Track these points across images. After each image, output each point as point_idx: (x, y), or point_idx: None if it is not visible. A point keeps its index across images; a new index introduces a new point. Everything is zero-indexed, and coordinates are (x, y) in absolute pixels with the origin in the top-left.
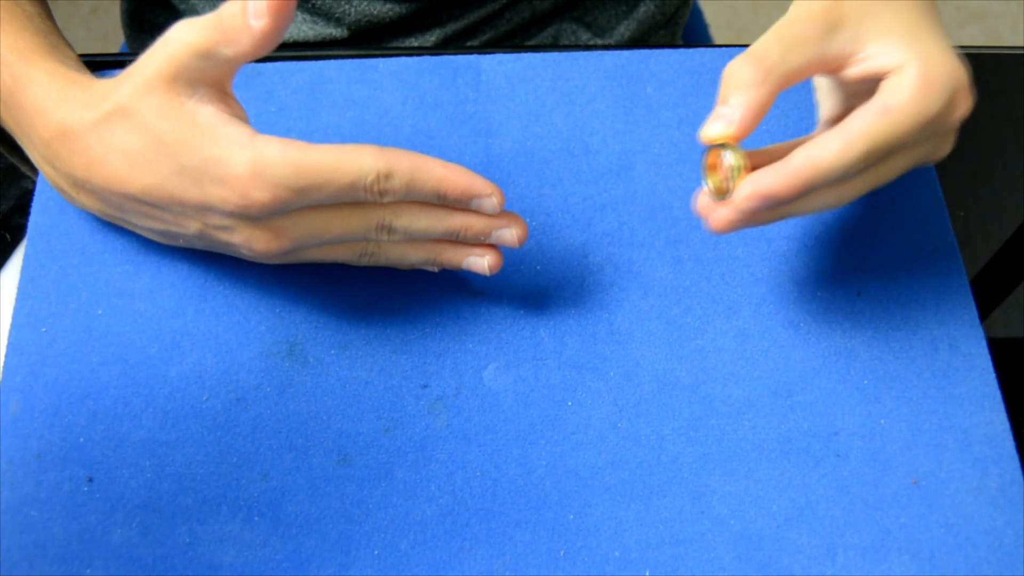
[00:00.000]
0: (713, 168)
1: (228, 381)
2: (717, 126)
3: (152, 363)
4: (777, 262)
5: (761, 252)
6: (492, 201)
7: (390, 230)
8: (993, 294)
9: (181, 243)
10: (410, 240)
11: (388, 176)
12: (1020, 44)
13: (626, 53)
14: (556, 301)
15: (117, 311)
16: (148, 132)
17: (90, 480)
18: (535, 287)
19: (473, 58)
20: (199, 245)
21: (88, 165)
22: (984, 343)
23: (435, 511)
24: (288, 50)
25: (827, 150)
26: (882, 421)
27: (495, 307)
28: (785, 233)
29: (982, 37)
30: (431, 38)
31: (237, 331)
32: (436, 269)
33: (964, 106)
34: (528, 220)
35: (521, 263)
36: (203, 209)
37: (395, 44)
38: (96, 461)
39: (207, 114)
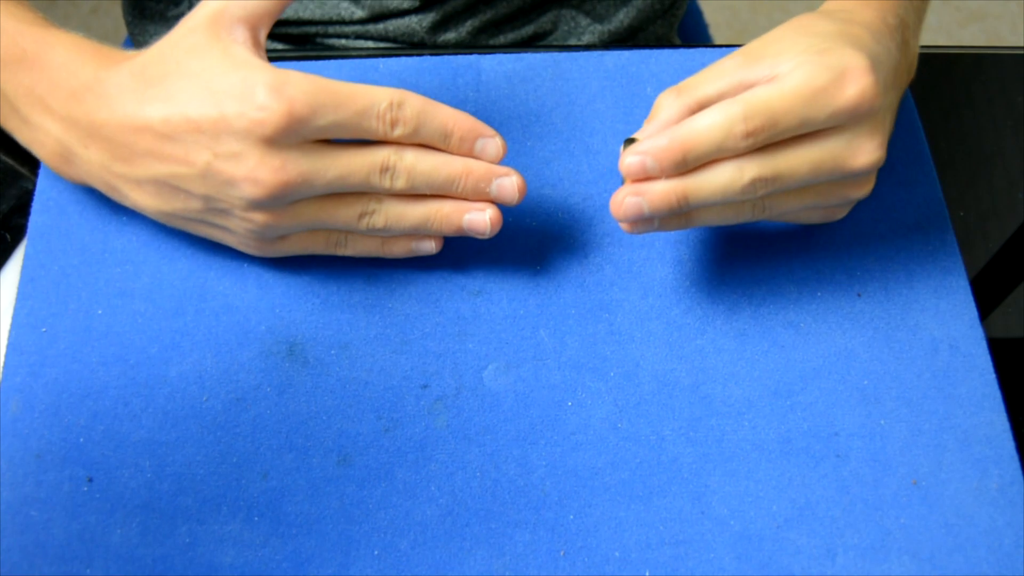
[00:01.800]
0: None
1: (228, 381)
2: (635, 134)
3: (152, 363)
4: (777, 262)
5: (761, 252)
6: (496, 142)
7: (394, 172)
8: (993, 294)
9: (179, 204)
10: (411, 195)
11: (401, 104)
12: (1020, 44)
13: (626, 53)
14: (556, 301)
15: (117, 311)
16: (181, 66)
17: (90, 480)
18: (535, 287)
19: (473, 58)
20: (198, 198)
21: (112, 106)
22: (984, 343)
23: (435, 511)
24: (294, 26)
25: (706, 112)
26: (882, 421)
27: (495, 307)
28: (785, 233)
29: (982, 37)
30: (431, 15)
31: (237, 331)
32: (435, 248)
33: (859, 83)
34: (528, 220)
35: (521, 263)
36: (218, 132)
37: (394, 22)
38: (96, 461)
39: (239, 51)
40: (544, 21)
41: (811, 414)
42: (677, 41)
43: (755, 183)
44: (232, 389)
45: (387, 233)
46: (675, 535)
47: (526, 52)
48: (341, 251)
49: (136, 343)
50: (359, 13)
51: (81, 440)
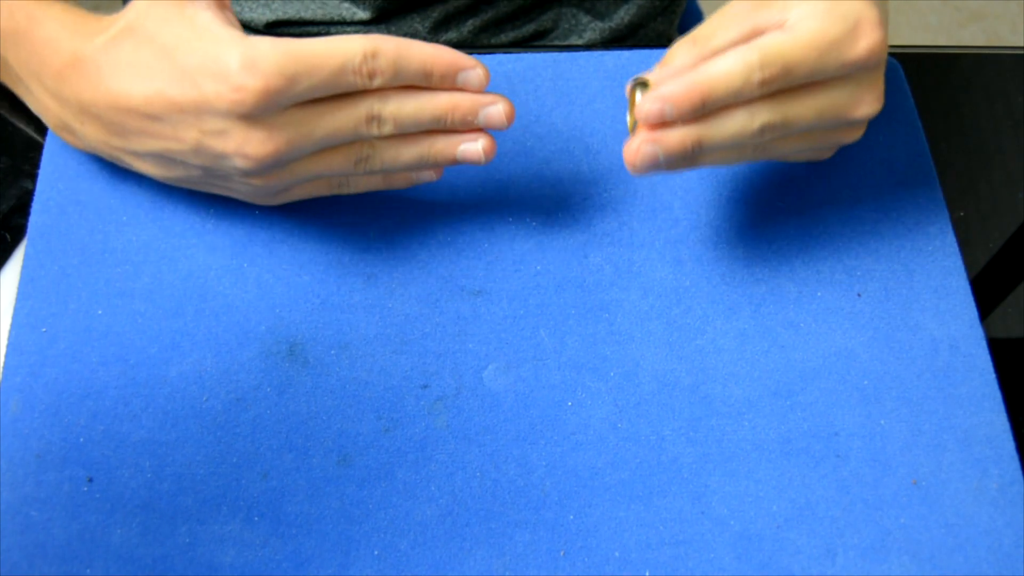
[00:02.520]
0: (633, 107)
1: (228, 381)
2: (644, 74)
3: (152, 363)
4: (777, 262)
5: (761, 252)
6: (478, 72)
7: (380, 120)
8: (993, 294)
9: (181, 172)
10: (401, 135)
11: (375, 55)
12: (1020, 44)
13: (626, 53)
14: (556, 301)
15: (117, 311)
16: (152, 41)
17: (90, 480)
18: (535, 287)
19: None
20: (197, 167)
21: (95, 86)
22: (984, 343)
23: (435, 511)
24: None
25: (723, 58)
26: (882, 421)
27: (495, 307)
28: (785, 233)
29: (982, 37)
30: (432, 14)
31: (237, 331)
32: (435, 176)
33: (870, 37)
34: (528, 220)
35: (521, 263)
36: (200, 112)
37: (396, 23)
38: (96, 461)
39: (205, 18)
40: (545, 19)
41: (811, 414)
42: (675, 29)
43: (764, 129)
44: (232, 389)
45: (385, 172)
46: (675, 535)
47: (526, 52)
48: (345, 191)
49: (136, 343)
50: (360, 14)
51: (81, 440)
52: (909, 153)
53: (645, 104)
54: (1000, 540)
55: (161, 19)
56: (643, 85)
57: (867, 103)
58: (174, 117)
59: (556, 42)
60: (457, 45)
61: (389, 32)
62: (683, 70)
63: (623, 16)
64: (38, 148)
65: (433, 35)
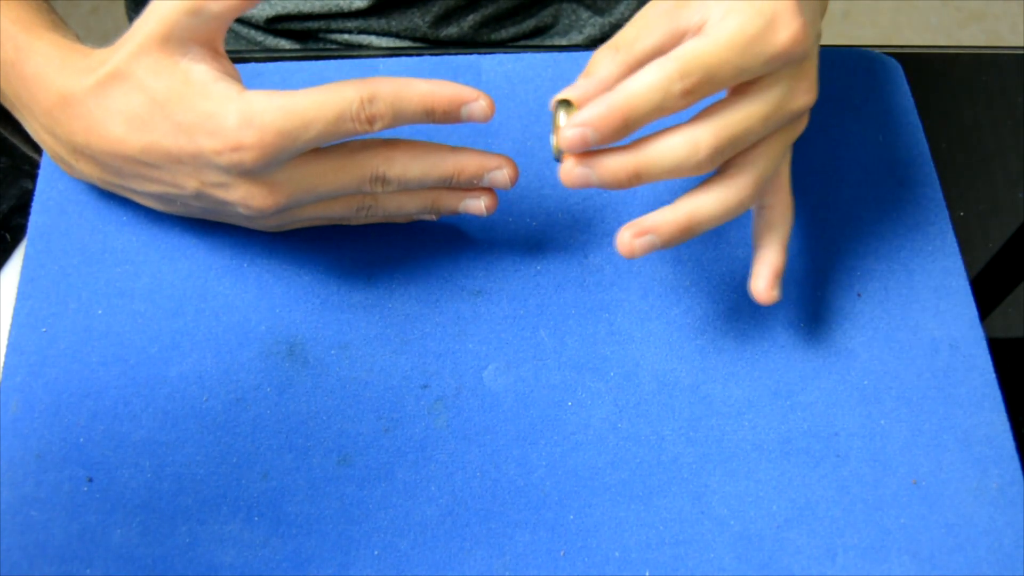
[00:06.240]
0: (557, 130)
1: (228, 381)
2: (567, 91)
3: (152, 363)
4: None
5: None
6: (481, 104)
7: (384, 181)
8: (993, 294)
9: (181, 210)
10: (406, 190)
11: (372, 100)
12: (1020, 44)
13: None
14: (556, 301)
15: (117, 311)
16: (144, 92)
17: (90, 480)
18: (535, 287)
19: (473, 58)
20: (198, 207)
21: (87, 130)
22: (984, 343)
23: (435, 511)
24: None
25: (642, 73)
26: (882, 421)
27: (495, 307)
28: None
29: (982, 37)
30: (433, 9)
31: (237, 331)
32: (435, 217)
33: (790, 27)
34: (528, 220)
35: (521, 263)
36: (199, 165)
37: (396, 16)
38: (96, 461)
39: (200, 72)
40: (545, 15)
41: (811, 414)
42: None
43: (713, 156)
44: (232, 389)
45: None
46: (675, 535)
47: (526, 52)
48: (345, 224)
49: (136, 343)
50: (358, 3)
51: (81, 440)
52: (909, 153)
53: (567, 132)
54: (1000, 540)
55: (153, 70)
56: (566, 104)
57: (802, 93)
58: (173, 167)
59: (556, 37)
60: (457, 41)
61: (390, 27)
62: (606, 82)
63: (623, 11)
64: (38, 148)
65: (434, 30)
